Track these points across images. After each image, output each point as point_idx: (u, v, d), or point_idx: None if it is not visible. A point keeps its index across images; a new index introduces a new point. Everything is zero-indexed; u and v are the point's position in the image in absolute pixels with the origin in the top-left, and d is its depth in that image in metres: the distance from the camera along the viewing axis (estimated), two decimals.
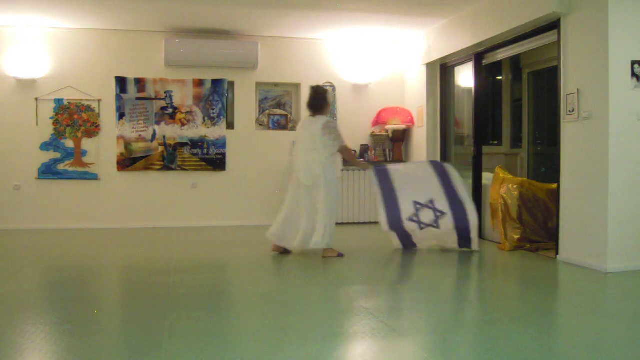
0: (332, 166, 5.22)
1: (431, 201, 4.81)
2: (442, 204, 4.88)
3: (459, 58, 6.93)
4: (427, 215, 4.90)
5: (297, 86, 7.91)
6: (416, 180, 5.16)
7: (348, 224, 7.78)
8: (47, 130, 7.16)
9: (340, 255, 5.26)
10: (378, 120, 7.89)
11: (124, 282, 4.68)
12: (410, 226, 5.00)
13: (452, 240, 5.17)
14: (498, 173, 6.03)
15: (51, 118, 7.16)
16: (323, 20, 6.86)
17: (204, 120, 7.49)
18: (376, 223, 7.84)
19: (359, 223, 7.83)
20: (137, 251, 5.92)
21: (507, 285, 4.65)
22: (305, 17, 6.76)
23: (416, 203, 4.83)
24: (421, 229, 4.88)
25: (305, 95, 7.80)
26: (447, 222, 4.92)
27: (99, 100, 7.29)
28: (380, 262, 5.48)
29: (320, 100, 5.34)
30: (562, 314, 3.72)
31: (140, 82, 7.32)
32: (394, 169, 5.40)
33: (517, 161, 7.90)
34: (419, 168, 5.49)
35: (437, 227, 4.82)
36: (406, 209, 4.99)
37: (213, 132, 7.51)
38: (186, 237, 6.72)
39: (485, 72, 6.89)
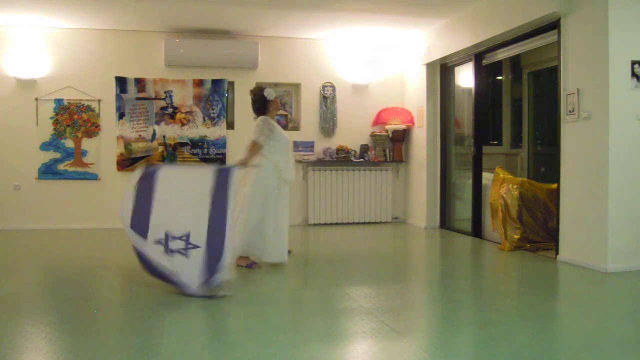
0: (264, 171, 4.76)
1: (187, 235, 4.01)
2: (200, 236, 3.99)
3: (459, 58, 6.93)
4: (177, 244, 4.05)
5: (297, 86, 7.91)
6: (182, 199, 4.12)
7: (348, 224, 7.79)
8: (47, 130, 7.16)
9: (250, 265, 4.82)
10: (378, 120, 7.89)
11: (124, 282, 4.68)
12: (154, 248, 4.05)
13: (195, 275, 3.92)
14: (498, 173, 6.03)
15: (51, 118, 7.16)
16: (323, 20, 6.86)
17: (204, 120, 7.48)
18: (375, 223, 7.85)
19: (358, 223, 7.84)
20: None
21: (507, 285, 4.64)
22: (305, 17, 6.75)
23: (168, 234, 4.02)
24: (167, 253, 4.01)
25: (305, 95, 7.85)
26: (198, 255, 3.99)
27: (99, 100, 7.29)
28: (380, 262, 5.48)
29: (256, 102, 4.97)
30: (562, 314, 3.71)
31: (140, 82, 7.32)
32: (164, 175, 4.17)
33: (517, 161, 7.90)
34: (196, 181, 4.18)
35: (186, 256, 3.98)
36: (155, 232, 4.11)
37: (213, 132, 7.51)
38: None
39: (485, 72, 6.89)
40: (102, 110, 7.30)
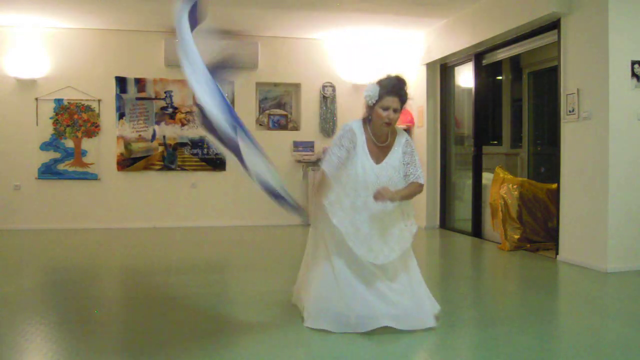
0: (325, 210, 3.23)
1: None
2: None
3: (459, 58, 6.93)
4: None
5: (297, 86, 7.91)
6: None
7: None
8: (47, 130, 7.16)
9: None
10: None
11: (124, 282, 4.68)
12: None
13: None
14: (498, 173, 6.03)
15: (51, 118, 7.16)
16: (323, 20, 6.86)
17: None
18: None
19: None
20: (137, 251, 5.92)
21: (507, 285, 4.64)
22: (305, 17, 6.75)
23: None
24: None
25: (305, 95, 7.84)
26: None
27: (99, 100, 7.29)
28: None
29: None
30: (562, 314, 3.71)
31: (140, 82, 7.32)
32: None
33: (517, 161, 7.90)
34: None
35: None
36: None
37: None
38: (186, 237, 6.72)
39: (485, 72, 6.88)
40: (102, 110, 7.30)
